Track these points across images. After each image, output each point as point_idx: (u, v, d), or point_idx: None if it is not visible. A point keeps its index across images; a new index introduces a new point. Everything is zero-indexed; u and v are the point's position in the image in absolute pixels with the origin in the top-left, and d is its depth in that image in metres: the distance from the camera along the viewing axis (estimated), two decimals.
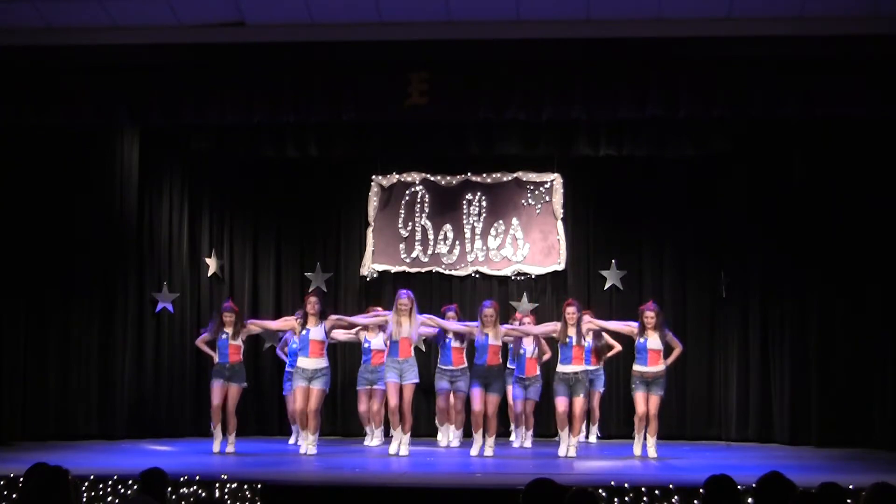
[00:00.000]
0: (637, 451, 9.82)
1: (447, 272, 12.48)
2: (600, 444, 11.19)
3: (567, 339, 9.80)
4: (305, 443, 9.99)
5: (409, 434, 10.00)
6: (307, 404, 9.91)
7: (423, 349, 11.63)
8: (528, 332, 10.30)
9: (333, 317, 10.26)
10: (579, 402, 9.80)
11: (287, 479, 8.05)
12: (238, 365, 10.20)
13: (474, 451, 9.81)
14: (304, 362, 9.96)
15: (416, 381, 10.14)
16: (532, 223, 12.43)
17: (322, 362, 9.97)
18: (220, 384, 10.15)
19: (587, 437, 11.22)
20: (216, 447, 10.04)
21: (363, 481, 8.14)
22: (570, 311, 9.87)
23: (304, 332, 9.96)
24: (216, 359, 10.22)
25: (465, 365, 10.33)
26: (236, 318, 10.21)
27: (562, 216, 12.36)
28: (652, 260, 12.37)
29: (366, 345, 10.68)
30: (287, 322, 10.46)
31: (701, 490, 4.87)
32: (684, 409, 12.03)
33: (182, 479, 7.51)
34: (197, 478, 7.55)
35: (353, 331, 10.73)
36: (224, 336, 10.16)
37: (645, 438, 9.86)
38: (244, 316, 10.60)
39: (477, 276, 12.46)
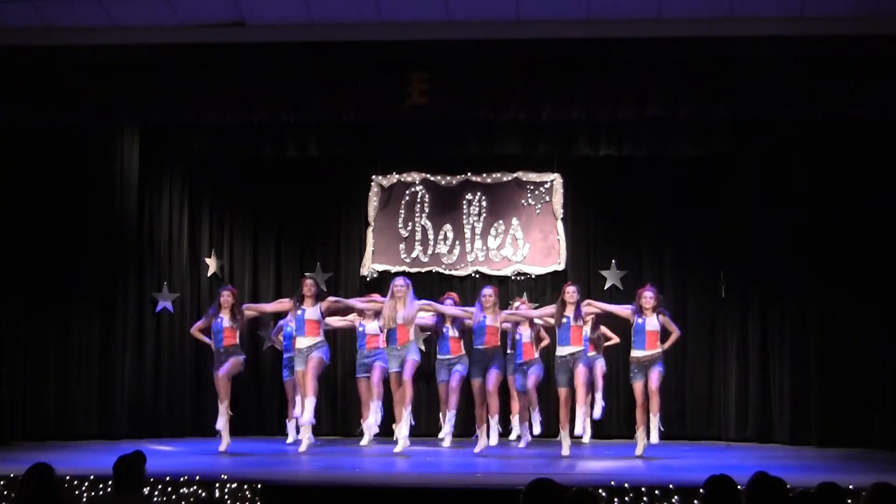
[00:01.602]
0: (639, 450, 9.73)
1: (447, 272, 12.48)
2: (601, 445, 11.16)
3: (564, 320, 9.73)
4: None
5: (409, 409, 9.92)
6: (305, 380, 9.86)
7: (423, 349, 11.62)
8: (527, 315, 10.34)
9: (331, 298, 10.24)
10: (581, 371, 9.66)
11: (287, 479, 8.05)
12: (233, 347, 10.17)
13: (478, 449, 9.79)
14: (300, 342, 9.95)
15: (418, 358, 10.09)
16: (532, 223, 12.44)
17: (318, 339, 9.91)
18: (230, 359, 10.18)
19: (591, 411, 11.12)
20: (223, 447, 10.02)
21: (363, 481, 8.14)
22: (571, 290, 9.82)
23: (299, 312, 9.93)
24: (213, 345, 10.22)
25: (463, 353, 10.36)
26: (234, 301, 10.20)
27: (562, 216, 12.37)
28: (652, 260, 12.38)
29: (360, 329, 10.62)
30: (282, 304, 10.49)
31: (701, 490, 4.87)
32: (684, 409, 12.04)
33: (182, 479, 7.52)
34: (197, 478, 7.55)
35: (349, 316, 10.72)
36: (219, 319, 10.16)
37: (647, 435, 9.80)
38: (241, 304, 10.52)
39: (477, 276, 12.46)
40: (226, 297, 10.25)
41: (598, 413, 11.16)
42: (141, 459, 5.37)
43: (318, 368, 9.93)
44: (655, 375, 9.68)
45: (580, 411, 9.70)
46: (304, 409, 9.85)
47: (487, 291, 10.06)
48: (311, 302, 9.96)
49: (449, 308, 10.39)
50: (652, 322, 9.75)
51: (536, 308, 11.99)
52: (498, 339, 10.10)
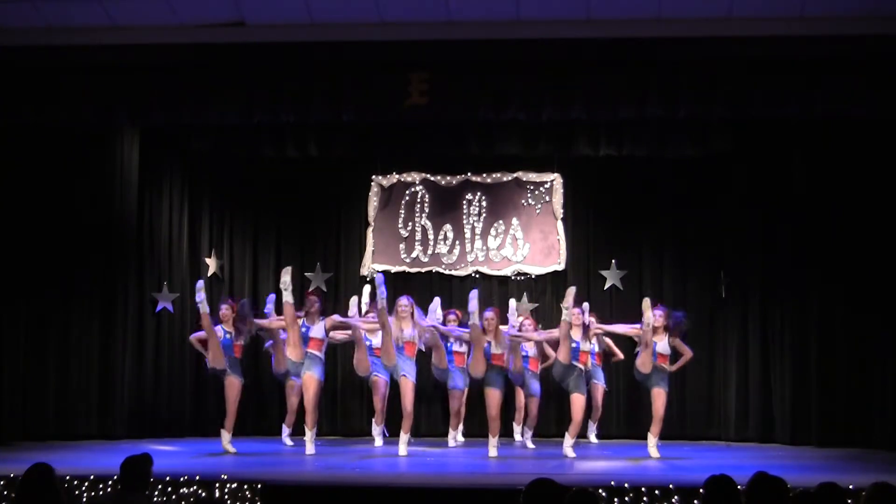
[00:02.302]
0: (653, 453, 9.71)
1: (447, 272, 12.48)
2: (601, 445, 11.14)
3: (573, 344, 9.74)
4: (310, 442, 9.98)
5: (409, 433, 10.00)
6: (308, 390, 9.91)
7: (423, 349, 11.60)
8: (530, 338, 10.26)
9: (336, 317, 10.22)
10: (578, 400, 9.71)
11: (287, 479, 8.04)
12: (238, 360, 10.25)
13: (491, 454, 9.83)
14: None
15: (414, 381, 10.12)
16: (532, 223, 12.43)
17: (318, 354, 9.99)
18: (228, 378, 10.16)
19: (586, 434, 11.17)
20: (231, 447, 10.07)
21: (363, 481, 8.14)
22: (576, 311, 9.84)
23: (303, 329, 9.97)
24: (212, 355, 10.18)
25: (465, 366, 10.37)
26: (233, 315, 10.18)
27: (562, 216, 12.37)
28: (652, 260, 12.37)
29: (367, 343, 10.65)
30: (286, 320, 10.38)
31: (701, 490, 4.87)
32: (684, 409, 12.02)
33: (182, 479, 7.52)
34: (197, 478, 7.55)
35: (351, 331, 10.73)
36: (228, 335, 10.18)
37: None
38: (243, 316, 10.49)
39: (477, 276, 12.45)
40: (224, 311, 10.24)
41: (593, 439, 11.20)
42: (148, 461, 5.38)
43: (317, 390, 9.98)
44: (662, 395, 9.67)
45: (570, 439, 9.74)
46: (307, 445, 9.96)
47: (489, 315, 9.98)
48: (314, 319, 9.99)
49: (454, 330, 10.36)
50: (663, 345, 9.73)
51: (536, 307, 12.06)
52: (503, 360, 10.02)
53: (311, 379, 9.94)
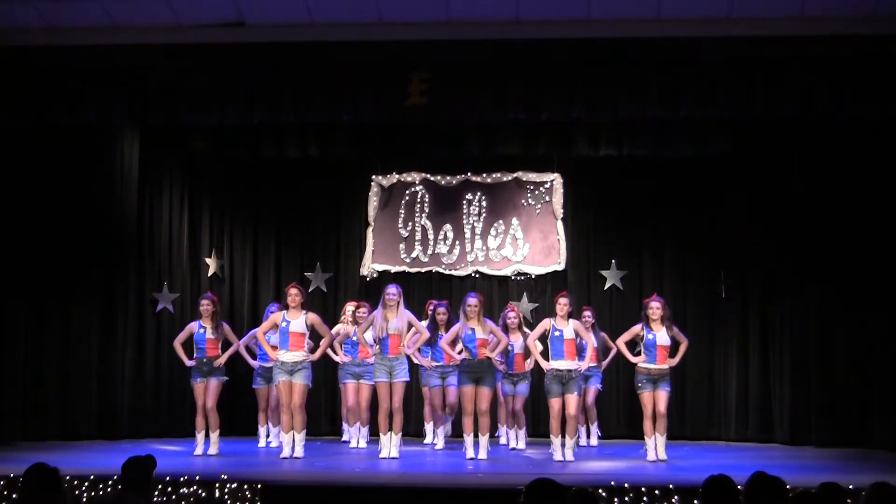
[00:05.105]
0: (651, 455, 9.42)
1: (447, 272, 12.49)
2: (601, 445, 11.13)
3: (557, 333, 9.49)
4: (287, 445, 9.53)
5: (399, 435, 9.70)
6: (290, 399, 9.51)
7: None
8: (500, 340, 9.69)
9: (317, 318, 9.79)
10: (573, 399, 9.49)
11: (287, 479, 8.05)
12: (216, 358, 9.91)
13: (470, 455, 9.51)
14: (283, 356, 9.51)
15: (407, 379, 9.77)
16: (532, 223, 12.44)
17: (301, 355, 9.50)
18: (200, 383, 9.85)
19: (588, 438, 11.09)
20: (199, 450, 9.76)
21: (363, 481, 8.14)
22: (563, 301, 9.62)
23: (283, 324, 9.55)
24: (194, 355, 9.96)
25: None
26: (214, 309, 9.96)
27: (562, 216, 12.37)
28: (652, 260, 12.38)
29: (353, 337, 10.58)
30: (270, 322, 9.94)
31: (701, 490, 4.87)
32: (684, 409, 12.03)
33: (182, 479, 7.52)
34: (197, 478, 7.55)
35: (336, 328, 10.75)
36: (202, 330, 9.92)
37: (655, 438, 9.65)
38: (221, 315, 10.21)
39: (477, 276, 12.46)
40: (205, 305, 9.97)
41: (594, 441, 11.08)
42: (151, 463, 5.36)
43: (303, 397, 9.56)
44: (664, 397, 9.44)
45: (569, 441, 9.49)
46: (295, 446, 9.50)
47: (472, 301, 9.58)
48: (296, 314, 9.56)
49: (441, 342, 9.98)
50: (662, 336, 9.50)
51: (536, 307, 12.05)
52: (487, 346, 9.65)
53: (298, 385, 9.50)
